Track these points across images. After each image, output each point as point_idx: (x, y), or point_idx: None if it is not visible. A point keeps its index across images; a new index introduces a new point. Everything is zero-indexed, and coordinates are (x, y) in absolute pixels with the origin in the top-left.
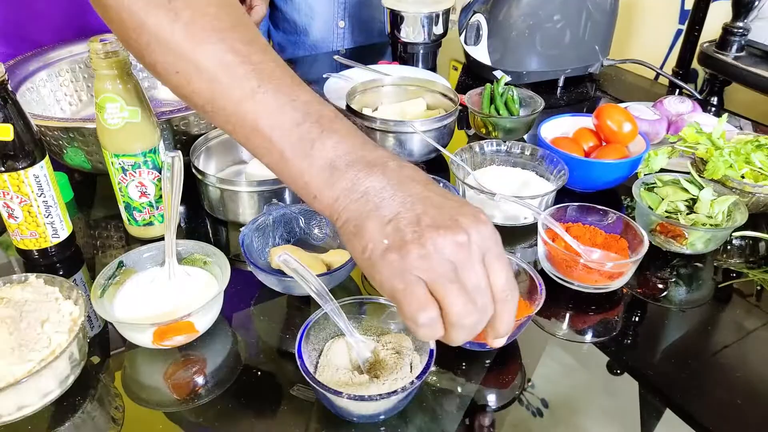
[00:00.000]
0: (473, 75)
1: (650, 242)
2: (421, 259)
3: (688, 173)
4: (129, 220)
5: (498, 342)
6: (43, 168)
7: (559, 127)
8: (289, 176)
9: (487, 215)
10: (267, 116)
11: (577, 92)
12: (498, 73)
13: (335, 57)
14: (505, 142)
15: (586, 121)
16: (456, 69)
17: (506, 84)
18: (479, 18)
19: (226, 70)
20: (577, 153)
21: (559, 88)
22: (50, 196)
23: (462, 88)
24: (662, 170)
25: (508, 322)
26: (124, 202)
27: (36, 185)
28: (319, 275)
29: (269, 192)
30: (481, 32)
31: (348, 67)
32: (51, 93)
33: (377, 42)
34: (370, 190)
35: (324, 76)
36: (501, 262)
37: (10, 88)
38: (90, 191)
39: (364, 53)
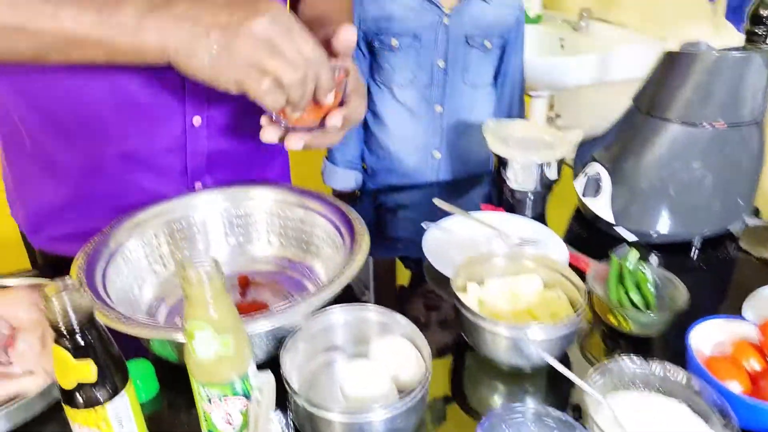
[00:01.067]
0: (588, 225)
1: None
2: (243, 50)
3: None
4: None
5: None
6: (124, 397)
7: (711, 335)
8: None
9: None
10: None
11: (716, 256)
12: (624, 241)
13: (435, 201)
14: (648, 360)
15: (746, 329)
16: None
17: (631, 244)
18: (599, 169)
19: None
20: (740, 380)
21: (695, 250)
22: (130, 430)
23: (576, 240)
24: None
25: (327, 78)
26: (207, 429)
27: (116, 420)
28: None
29: (366, 425)
30: (601, 184)
31: (447, 213)
32: (144, 257)
33: (477, 173)
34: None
35: (422, 225)
36: (304, 34)
37: (98, 320)
38: (179, 383)
39: (464, 187)
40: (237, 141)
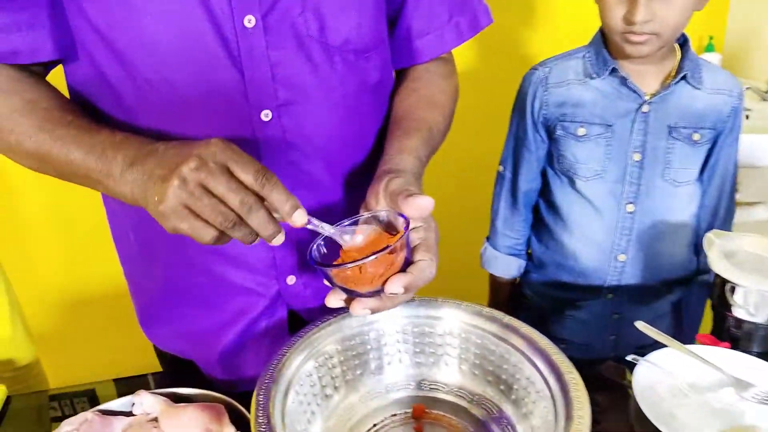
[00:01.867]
0: None
1: None
2: (175, 197)
3: None
4: None
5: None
6: None
7: None
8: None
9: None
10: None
11: None
12: None
13: (638, 325)
14: None
15: None
16: None
17: None
18: None
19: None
20: None
21: None
22: None
23: None
24: None
25: (280, 200)
26: None
27: None
28: None
29: None
30: None
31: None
32: (318, 380)
33: (668, 280)
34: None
35: (628, 358)
36: (241, 163)
37: None
38: None
39: (653, 299)
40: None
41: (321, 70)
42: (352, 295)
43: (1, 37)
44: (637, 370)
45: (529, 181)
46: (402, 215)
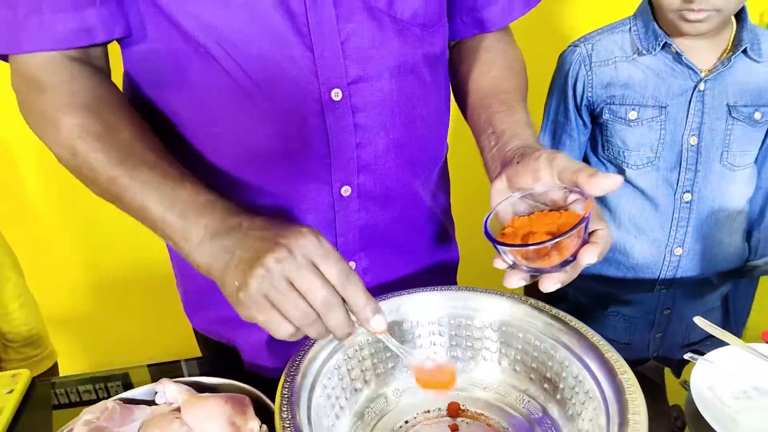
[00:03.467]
0: None
1: None
2: (258, 287)
3: None
4: None
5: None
6: None
7: None
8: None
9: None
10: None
11: None
12: None
13: (697, 320)
14: None
15: None
16: None
17: None
18: None
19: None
20: None
21: None
22: None
23: None
24: None
25: (360, 304)
26: None
27: None
28: None
29: None
30: None
31: (710, 337)
32: (347, 372)
33: (725, 270)
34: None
35: (686, 357)
36: (328, 260)
37: None
38: None
39: (711, 292)
40: (392, 212)
41: (390, 44)
42: (535, 272)
43: (73, 14)
44: (696, 369)
45: None
46: (583, 193)
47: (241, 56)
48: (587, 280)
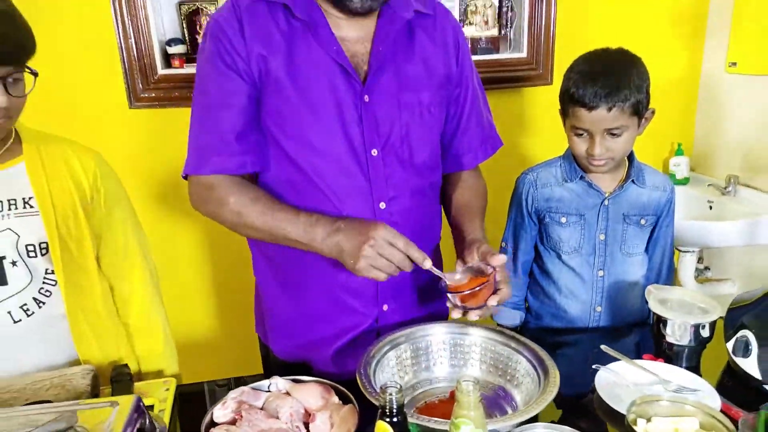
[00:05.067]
0: (740, 379)
1: None
2: (365, 261)
3: None
4: None
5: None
6: None
7: None
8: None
9: (382, 222)
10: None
11: None
12: None
13: (603, 347)
14: None
15: None
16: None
17: None
18: (747, 335)
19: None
20: None
21: None
22: None
23: (727, 391)
24: None
25: (418, 255)
26: None
27: None
28: None
29: None
30: (750, 347)
31: (614, 358)
32: (396, 364)
33: (631, 322)
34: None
35: (594, 367)
36: (396, 239)
37: (403, 409)
38: None
39: (621, 335)
40: (415, 277)
41: (411, 178)
42: (464, 309)
43: (240, 157)
44: (599, 374)
45: (526, 254)
46: (490, 265)
47: (329, 182)
48: (540, 330)
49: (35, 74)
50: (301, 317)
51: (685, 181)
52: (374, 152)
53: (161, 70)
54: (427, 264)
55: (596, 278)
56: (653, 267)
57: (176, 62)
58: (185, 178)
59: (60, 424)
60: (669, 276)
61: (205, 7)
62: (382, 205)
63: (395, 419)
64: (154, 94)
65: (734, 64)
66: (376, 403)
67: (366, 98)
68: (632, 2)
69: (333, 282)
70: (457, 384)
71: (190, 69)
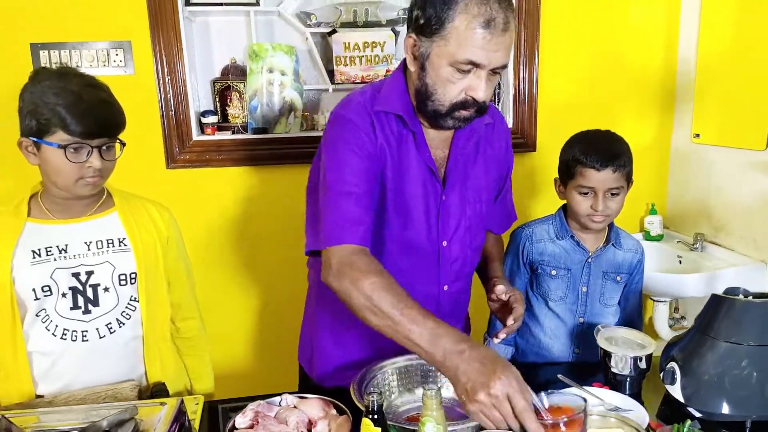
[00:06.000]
0: (671, 403)
1: None
2: (478, 405)
3: None
4: None
5: None
6: None
7: None
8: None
9: (512, 368)
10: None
11: None
12: (691, 416)
13: (559, 376)
14: None
15: None
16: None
17: (696, 419)
18: (674, 366)
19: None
20: None
21: (747, 429)
22: None
23: (661, 413)
24: None
25: (532, 427)
26: None
27: None
28: None
29: None
30: (676, 376)
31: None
32: (397, 381)
33: (596, 360)
34: (455, 364)
35: (549, 391)
36: (519, 394)
37: (383, 410)
38: None
39: (582, 367)
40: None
41: (470, 258)
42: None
43: (364, 228)
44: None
45: None
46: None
47: (400, 265)
48: (526, 367)
49: (123, 144)
50: (349, 355)
51: (659, 238)
52: (444, 243)
53: (195, 137)
54: None
55: (577, 324)
56: (625, 315)
57: (209, 130)
58: (310, 254)
59: (126, 414)
60: (639, 322)
61: (236, 85)
62: (446, 287)
63: (376, 417)
64: (188, 157)
65: (698, 135)
66: (361, 406)
67: (443, 197)
68: (608, 81)
69: None
70: (423, 392)
71: (220, 136)
